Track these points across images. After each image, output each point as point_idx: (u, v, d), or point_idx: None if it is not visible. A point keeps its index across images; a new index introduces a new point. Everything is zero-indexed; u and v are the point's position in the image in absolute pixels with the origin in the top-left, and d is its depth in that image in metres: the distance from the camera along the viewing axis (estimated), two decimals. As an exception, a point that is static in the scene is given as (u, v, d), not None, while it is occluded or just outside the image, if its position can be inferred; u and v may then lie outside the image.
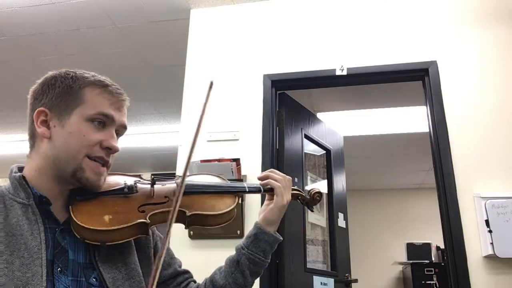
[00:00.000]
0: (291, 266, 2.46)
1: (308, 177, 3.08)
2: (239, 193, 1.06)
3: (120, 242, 0.86)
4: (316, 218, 3.02)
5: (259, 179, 1.09)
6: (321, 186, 3.23)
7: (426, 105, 2.58)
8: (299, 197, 1.16)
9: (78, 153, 0.86)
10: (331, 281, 2.76)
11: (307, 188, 3.01)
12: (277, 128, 2.72)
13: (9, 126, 5.16)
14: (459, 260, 2.18)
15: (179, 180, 0.98)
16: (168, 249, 1.05)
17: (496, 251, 2.12)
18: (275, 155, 2.62)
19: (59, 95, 0.89)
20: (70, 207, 0.86)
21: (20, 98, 4.29)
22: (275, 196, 1.05)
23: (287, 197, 1.06)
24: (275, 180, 1.06)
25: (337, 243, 2.99)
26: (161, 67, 3.75)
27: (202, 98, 0.80)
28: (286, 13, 2.92)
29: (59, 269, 0.82)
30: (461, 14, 2.68)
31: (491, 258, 2.16)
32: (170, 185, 0.99)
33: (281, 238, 1.07)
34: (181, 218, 0.93)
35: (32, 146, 0.91)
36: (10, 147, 5.71)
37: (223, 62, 2.89)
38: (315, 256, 2.94)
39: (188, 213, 0.93)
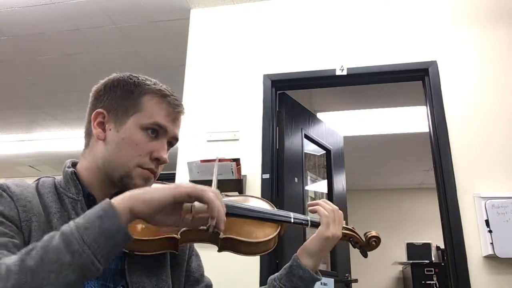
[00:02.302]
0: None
1: (308, 177, 3.08)
2: (282, 223, 0.97)
3: (148, 253, 0.84)
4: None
5: (309, 205, 1.03)
6: (321, 186, 3.24)
7: (426, 105, 2.58)
8: (351, 239, 1.05)
9: (128, 162, 0.86)
10: (331, 281, 2.76)
11: (308, 187, 3.01)
12: (277, 128, 2.72)
13: (9, 126, 5.16)
14: (459, 260, 2.18)
15: (223, 199, 0.97)
16: (200, 266, 1.02)
17: (496, 251, 2.12)
18: (275, 155, 2.62)
19: (119, 99, 0.90)
20: None
21: (20, 98, 4.30)
22: (320, 226, 0.99)
23: (334, 231, 0.98)
24: (324, 209, 1.00)
25: (337, 243, 2.99)
26: (161, 67, 3.75)
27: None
28: (286, 13, 2.92)
29: None
30: (461, 14, 2.68)
31: (491, 258, 2.16)
32: None
33: (320, 278, 0.99)
34: (214, 239, 0.89)
35: (86, 144, 0.93)
36: (10, 147, 5.71)
37: (223, 62, 2.89)
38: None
39: (221, 235, 0.88)
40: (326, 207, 1.01)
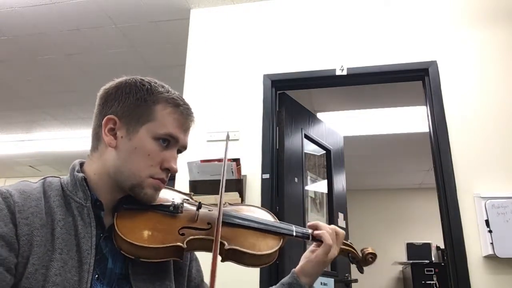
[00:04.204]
0: (291, 266, 2.45)
1: (308, 177, 3.08)
2: (285, 235, 0.98)
3: (154, 260, 0.84)
4: (316, 218, 3.02)
5: (310, 226, 1.04)
6: (321, 186, 3.24)
7: (426, 105, 2.58)
8: (350, 254, 1.08)
9: (140, 172, 0.86)
10: (331, 281, 2.76)
11: (308, 187, 3.01)
12: (277, 128, 2.72)
13: (9, 126, 5.16)
14: (459, 260, 2.18)
15: (227, 208, 0.98)
16: (200, 271, 1.03)
17: (496, 251, 2.12)
18: (275, 155, 2.62)
19: (132, 106, 0.88)
20: (115, 214, 0.86)
21: (20, 98, 4.30)
22: (320, 250, 0.99)
23: (333, 254, 0.99)
24: (329, 235, 0.99)
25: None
26: (161, 67, 3.75)
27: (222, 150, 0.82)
28: (286, 13, 2.92)
29: (96, 276, 0.81)
30: (461, 14, 2.68)
31: (491, 258, 2.17)
32: (216, 212, 0.94)
33: None
34: (219, 249, 0.87)
35: (95, 148, 0.91)
36: (10, 147, 5.71)
37: (223, 62, 2.89)
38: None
39: (226, 246, 0.89)
40: (328, 231, 1.00)
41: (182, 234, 0.87)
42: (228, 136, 1.07)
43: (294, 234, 0.99)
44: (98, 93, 0.93)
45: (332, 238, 0.99)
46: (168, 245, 0.84)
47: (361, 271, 1.11)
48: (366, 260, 1.08)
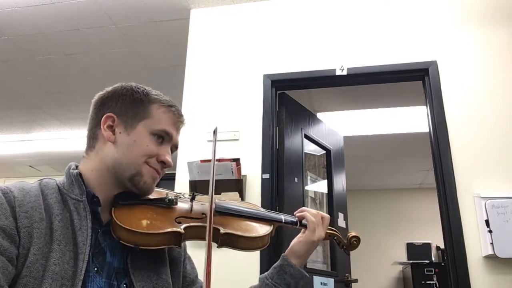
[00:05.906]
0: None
1: (308, 177, 3.08)
2: (275, 222, 1.06)
3: (153, 248, 0.88)
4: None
5: (296, 212, 1.11)
6: (321, 186, 3.24)
7: (426, 105, 2.58)
8: (335, 238, 1.15)
9: (138, 160, 0.92)
10: (331, 281, 2.76)
11: (308, 187, 3.01)
12: (277, 128, 2.72)
13: (9, 126, 5.16)
14: (459, 260, 2.18)
15: (217, 201, 1.04)
16: (194, 268, 1.07)
17: (496, 251, 2.12)
18: (275, 155, 2.62)
19: (129, 105, 0.95)
20: (112, 208, 0.90)
21: (20, 98, 4.29)
22: (306, 230, 1.07)
23: (319, 234, 1.06)
24: (310, 215, 1.07)
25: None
26: (161, 67, 3.75)
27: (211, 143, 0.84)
28: (286, 13, 2.92)
29: (95, 269, 0.84)
30: (461, 14, 2.68)
31: (491, 258, 2.16)
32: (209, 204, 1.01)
33: (307, 275, 1.07)
34: (215, 235, 0.93)
35: (91, 146, 0.96)
36: (10, 147, 5.71)
37: (223, 62, 2.89)
38: (315, 256, 2.94)
39: (222, 231, 0.94)
40: (311, 212, 1.08)
41: (179, 222, 0.92)
42: (215, 130, 1.11)
43: (283, 220, 1.07)
44: (93, 100, 0.99)
45: (316, 218, 1.07)
46: (166, 230, 0.88)
47: (348, 254, 1.19)
48: (351, 243, 1.14)
